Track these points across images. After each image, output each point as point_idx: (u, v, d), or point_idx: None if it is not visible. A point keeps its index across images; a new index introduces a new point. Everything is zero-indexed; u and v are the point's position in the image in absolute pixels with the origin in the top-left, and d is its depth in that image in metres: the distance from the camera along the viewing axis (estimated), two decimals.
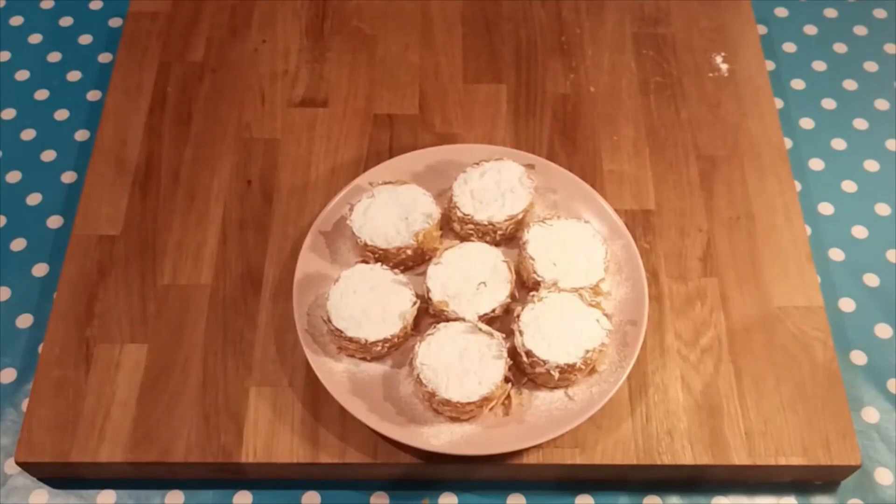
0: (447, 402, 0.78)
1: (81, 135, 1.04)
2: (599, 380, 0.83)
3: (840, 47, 1.12)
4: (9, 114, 1.06)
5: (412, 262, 0.89)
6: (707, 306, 0.89)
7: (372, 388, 0.83)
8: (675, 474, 0.83)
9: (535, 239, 0.87)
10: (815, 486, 0.85)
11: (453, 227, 0.91)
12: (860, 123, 1.06)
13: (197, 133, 1.00)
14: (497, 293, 0.85)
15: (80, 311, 0.89)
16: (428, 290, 0.85)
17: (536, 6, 1.10)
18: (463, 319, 0.83)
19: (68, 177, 1.01)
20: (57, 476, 0.85)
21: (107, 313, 0.89)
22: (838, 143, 1.04)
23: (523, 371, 0.83)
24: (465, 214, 0.89)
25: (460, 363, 0.80)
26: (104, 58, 1.11)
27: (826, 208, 1.00)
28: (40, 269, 0.95)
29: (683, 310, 0.89)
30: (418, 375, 0.79)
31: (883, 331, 0.92)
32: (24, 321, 0.92)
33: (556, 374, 0.80)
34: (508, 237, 0.91)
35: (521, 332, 0.81)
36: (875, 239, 0.98)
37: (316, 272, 0.88)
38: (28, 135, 1.05)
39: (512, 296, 0.86)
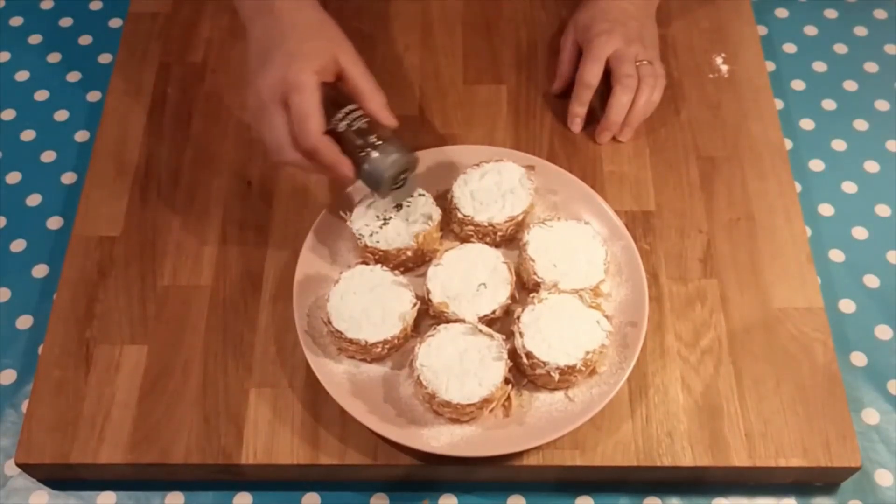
0: (447, 404, 0.78)
1: (81, 135, 1.04)
2: (599, 381, 0.83)
3: (840, 48, 1.12)
4: (9, 114, 1.06)
5: (412, 263, 0.89)
6: (707, 307, 0.89)
7: (372, 389, 0.83)
8: (676, 476, 0.83)
9: (536, 240, 0.87)
10: (815, 487, 0.85)
11: (453, 228, 0.91)
12: (860, 124, 1.06)
13: (197, 133, 1.00)
14: (497, 294, 0.85)
15: (79, 313, 0.89)
16: (428, 292, 0.85)
17: (537, 7, 1.10)
18: (463, 321, 0.83)
19: (68, 177, 1.01)
20: (57, 477, 0.85)
21: (107, 314, 0.89)
22: (838, 144, 1.04)
23: (523, 372, 0.83)
24: (465, 216, 0.88)
25: (460, 365, 0.80)
26: (104, 58, 1.11)
27: (826, 209, 1.00)
28: (40, 270, 0.95)
29: (683, 311, 0.89)
30: (418, 377, 0.79)
31: (883, 332, 0.92)
32: (24, 322, 0.92)
33: (557, 376, 0.80)
34: (508, 238, 0.91)
35: (521, 334, 0.81)
36: (875, 240, 0.98)
37: (316, 273, 0.88)
38: (28, 135, 1.05)
39: (512, 297, 0.86)
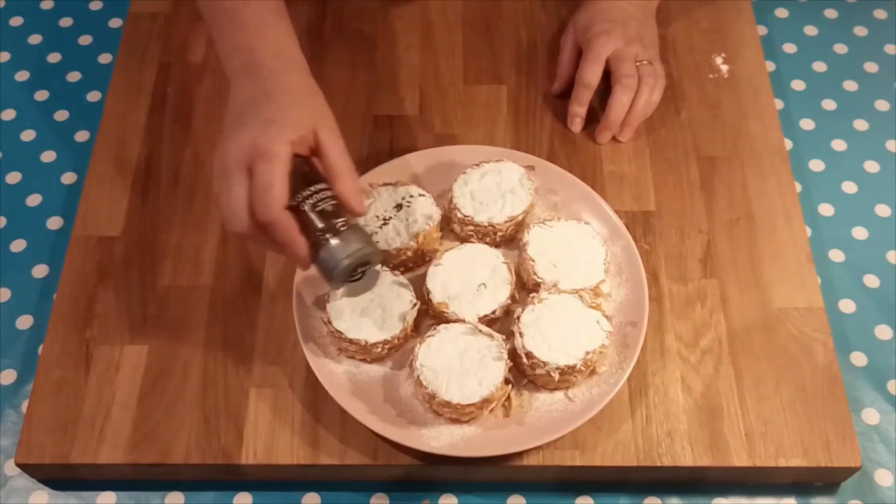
0: (447, 404, 0.78)
1: (81, 135, 1.04)
2: (599, 381, 0.83)
3: (840, 48, 1.12)
4: (9, 114, 1.06)
5: (412, 263, 0.89)
6: (707, 307, 0.89)
7: (372, 389, 0.83)
8: (676, 476, 0.83)
9: (536, 240, 0.87)
10: (815, 487, 0.85)
11: (453, 228, 0.91)
12: (860, 124, 1.06)
13: (197, 133, 1.00)
14: (497, 294, 0.85)
15: (79, 313, 0.89)
16: (428, 292, 0.85)
17: (537, 7, 1.10)
18: (463, 321, 0.83)
19: (68, 177, 1.01)
20: (57, 477, 0.85)
21: (107, 315, 0.89)
22: (838, 144, 1.04)
23: (523, 372, 0.83)
24: (465, 216, 0.88)
25: (460, 365, 0.80)
26: (104, 58, 1.11)
27: (826, 209, 1.00)
28: (40, 271, 0.95)
29: (683, 311, 0.89)
30: (418, 377, 0.79)
31: (883, 332, 0.92)
32: (24, 322, 0.92)
33: (557, 376, 0.80)
34: (508, 238, 0.91)
35: (521, 334, 0.81)
36: (875, 240, 0.98)
37: (316, 273, 0.88)
38: (28, 135, 1.05)
39: (512, 297, 0.86)
